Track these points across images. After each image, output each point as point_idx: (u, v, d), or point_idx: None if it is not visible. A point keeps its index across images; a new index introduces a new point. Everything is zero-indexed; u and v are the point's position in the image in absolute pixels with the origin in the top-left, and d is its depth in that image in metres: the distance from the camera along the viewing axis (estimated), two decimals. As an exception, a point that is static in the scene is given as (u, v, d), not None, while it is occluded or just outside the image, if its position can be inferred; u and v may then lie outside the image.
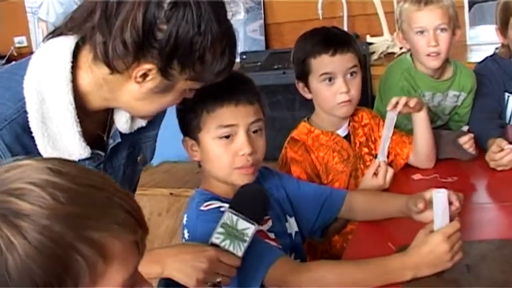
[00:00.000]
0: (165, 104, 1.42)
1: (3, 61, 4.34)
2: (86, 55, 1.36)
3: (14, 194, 0.79)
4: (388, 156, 2.09)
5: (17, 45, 4.56)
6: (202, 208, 1.58)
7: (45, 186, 0.79)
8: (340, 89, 2.00)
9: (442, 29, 2.26)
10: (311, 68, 2.03)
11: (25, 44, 4.58)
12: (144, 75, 1.32)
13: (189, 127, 1.63)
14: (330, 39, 2.04)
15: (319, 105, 2.10)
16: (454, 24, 2.30)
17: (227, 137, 1.59)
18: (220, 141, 1.59)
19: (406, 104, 1.98)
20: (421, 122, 2.10)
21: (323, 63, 2.01)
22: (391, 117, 1.99)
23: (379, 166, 2.00)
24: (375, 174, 1.99)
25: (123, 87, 1.36)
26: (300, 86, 2.11)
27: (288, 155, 2.04)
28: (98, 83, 1.37)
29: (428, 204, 1.59)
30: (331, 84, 2.01)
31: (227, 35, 1.36)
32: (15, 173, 0.82)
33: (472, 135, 2.19)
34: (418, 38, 2.29)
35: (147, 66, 1.30)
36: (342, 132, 2.12)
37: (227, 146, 1.59)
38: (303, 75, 2.07)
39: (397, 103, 1.97)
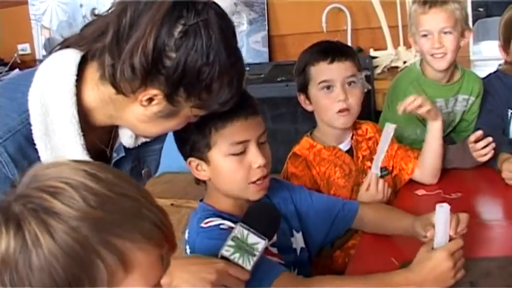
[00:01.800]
0: (168, 128, 1.42)
1: (7, 68, 4.36)
2: (93, 72, 1.35)
3: (48, 192, 0.80)
4: (392, 171, 2.08)
5: (21, 52, 4.58)
6: (202, 225, 1.56)
7: (79, 188, 0.81)
8: (338, 96, 2.00)
9: (447, 32, 2.26)
10: (310, 76, 2.04)
11: (28, 51, 4.60)
12: (150, 100, 1.31)
13: (195, 147, 1.59)
14: (329, 48, 2.05)
15: (319, 116, 2.10)
16: (462, 26, 2.30)
17: (240, 152, 1.57)
18: (233, 157, 1.57)
19: (419, 106, 1.99)
20: (435, 132, 2.10)
21: (321, 70, 2.01)
22: (389, 130, 1.98)
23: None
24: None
25: (128, 107, 1.36)
26: (302, 98, 2.11)
27: (289, 170, 2.04)
28: (104, 100, 1.36)
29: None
30: (330, 93, 2.01)
31: (235, 66, 1.35)
32: (52, 171, 0.84)
33: (490, 138, 2.16)
34: (424, 41, 2.31)
35: (154, 91, 1.30)
36: (344, 146, 2.11)
37: (240, 161, 1.57)
38: (304, 85, 2.07)
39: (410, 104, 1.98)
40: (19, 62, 4.48)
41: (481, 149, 2.15)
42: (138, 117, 1.36)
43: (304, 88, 2.08)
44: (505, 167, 2.08)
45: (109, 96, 1.35)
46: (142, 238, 0.82)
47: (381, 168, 2.02)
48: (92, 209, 0.79)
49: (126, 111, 1.37)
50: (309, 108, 2.10)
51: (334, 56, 2.00)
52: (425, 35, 2.30)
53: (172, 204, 3.21)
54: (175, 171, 3.44)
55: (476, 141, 2.16)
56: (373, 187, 1.97)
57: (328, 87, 2.01)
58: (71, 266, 0.77)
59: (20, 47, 4.59)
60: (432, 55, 2.30)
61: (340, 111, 2.01)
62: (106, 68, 1.30)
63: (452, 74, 2.40)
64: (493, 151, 2.14)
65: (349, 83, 2.02)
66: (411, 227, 1.65)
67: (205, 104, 1.35)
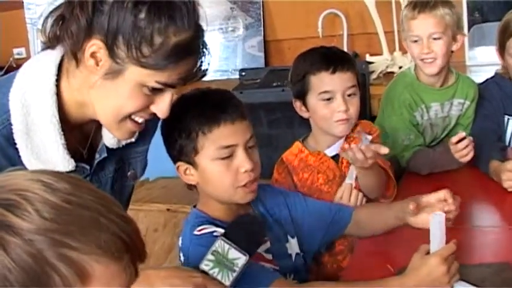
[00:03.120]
0: (120, 98, 1.37)
1: (2, 72, 4.34)
2: (65, 62, 1.39)
3: (3, 205, 0.79)
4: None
5: (16, 56, 4.57)
6: (195, 232, 1.56)
7: (33, 200, 0.79)
8: (339, 107, 1.98)
9: (436, 38, 2.27)
10: (310, 86, 2.01)
11: (24, 55, 4.59)
12: (95, 58, 1.32)
13: (183, 152, 1.59)
14: (330, 57, 2.02)
15: (316, 123, 2.08)
16: (453, 31, 2.30)
17: (227, 156, 1.57)
18: (220, 162, 1.57)
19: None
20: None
21: (323, 81, 1.99)
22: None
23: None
24: None
25: (85, 82, 1.37)
26: (298, 105, 2.09)
27: (273, 176, 2.06)
28: (71, 84, 1.39)
29: (422, 208, 1.60)
30: (330, 103, 1.99)
31: (196, 31, 1.36)
32: (8, 183, 0.82)
33: (471, 138, 2.16)
34: (413, 46, 2.33)
35: (95, 41, 1.31)
36: (332, 151, 2.08)
37: (228, 165, 1.57)
38: (301, 93, 2.05)
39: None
40: (15, 66, 4.47)
41: (463, 149, 2.14)
42: (90, 84, 1.36)
43: (301, 96, 2.06)
44: (505, 177, 2.06)
45: (73, 76, 1.38)
46: (98, 250, 0.80)
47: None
48: (46, 221, 0.78)
49: (84, 88, 1.37)
50: (305, 115, 2.09)
51: (336, 66, 1.98)
52: (415, 40, 2.31)
53: (168, 209, 3.20)
54: (171, 176, 3.44)
55: (458, 142, 2.15)
56: (345, 196, 1.96)
57: (328, 99, 1.99)
58: (25, 280, 0.76)
59: (15, 51, 4.58)
60: (422, 60, 2.31)
61: (339, 120, 2.00)
62: (64, 34, 1.34)
63: (446, 78, 2.41)
64: (473, 151, 2.14)
65: (349, 94, 2.00)
66: (400, 211, 1.66)
67: (150, 63, 1.32)
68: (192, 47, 1.37)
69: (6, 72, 4.29)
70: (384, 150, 1.82)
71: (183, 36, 1.33)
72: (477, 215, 2.04)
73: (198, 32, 1.38)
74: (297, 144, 2.11)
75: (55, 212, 0.79)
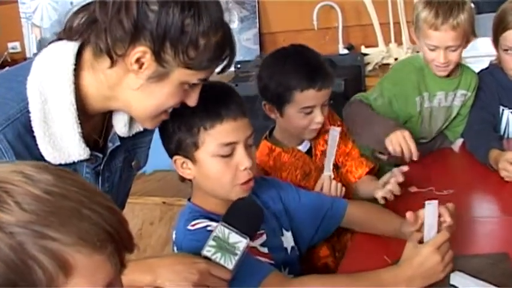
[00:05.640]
0: (163, 97, 1.41)
1: (-2, 67, 4.34)
2: (89, 55, 1.39)
3: None
4: (342, 167, 2.10)
5: (11, 50, 4.56)
6: (189, 227, 1.55)
7: (13, 193, 0.78)
8: (317, 118, 1.98)
9: (453, 50, 2.26)
10: (293, 99, 1.97)
11: (19, 49, 4.59)
12: (140, 62, 1.34)
13: (181, 146, 1.57)
14: (316, 73, 1.98)
15: (287, 127, 2.06)
16: (467, 36, 2.28)
17: (227, 154, 1.55)
18: (220, 158, 1.55)
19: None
20: None
21: (308, 97, 1.96)
22: (334, 133, 2.02)
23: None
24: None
25: (122, 81, 1.38)
26: (267, 107, 2.05)
27: None
28: (99, 79, 1.39)
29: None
30: (309, 114, 1.99)
31: (225, 27, 1.42)
32: None
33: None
34: (428, 52, 2.29)
35: (142, 48, 1.32)
36: (304, 147, 2.10)
37: (227, 163, 1.55)
38: (279, 102, 2.00)
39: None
40: (9, 60, 4.47)
41: None
42: (132, 86, 1.38)
43: (277, 103, 2.01)
44: (502, 166, 2.07)
45: (103, 73, 1.38)
46: (79, 240, 0.79)
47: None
48: (26, 213, 0.77)
49: (120, 86, 1.39)
50: (273, 116, 2.06)
51: (323, 83, 1.96)
52: (431, 49, 2.27)
53: (164, 202, 3.20)
54: (167, 169, 3.44)
55: None
56: (326, 188, 1.97)
57: (309, 112, 1.99)
58: (7, 274, 0.75)
59: (10, 45, 4.58)
60: (435, 65, 2.30)
61: (315, 128, 2.02)
62: (99, 36, 1.34)
63: (452, 69, 2.39)
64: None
65: (325, 105, 2.01)
66: (398, 230, 1.67)
67: (196, 64, 1.36)
68: (228, 43, 1.44)
69: (0, 67, 4.32)
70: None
71: (219, 34, 1.39)
72: (475, 205, 2.04)
73: (226, 26, 1.44)
74: (265, 143, 2.08)
75: (35, 204, 0.78)
